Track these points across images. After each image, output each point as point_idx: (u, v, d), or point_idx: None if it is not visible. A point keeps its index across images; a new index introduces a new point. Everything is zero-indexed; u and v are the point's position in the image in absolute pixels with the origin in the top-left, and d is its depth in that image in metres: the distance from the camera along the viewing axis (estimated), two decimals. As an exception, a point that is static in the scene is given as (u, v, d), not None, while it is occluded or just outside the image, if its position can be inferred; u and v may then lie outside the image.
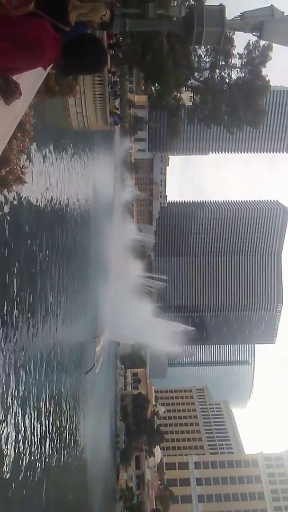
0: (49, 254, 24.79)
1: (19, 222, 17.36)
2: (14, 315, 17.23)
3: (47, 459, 24.25)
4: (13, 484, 17.10)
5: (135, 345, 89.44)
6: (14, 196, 14.60)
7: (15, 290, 17.21)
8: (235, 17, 12.87)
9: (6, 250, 15.88)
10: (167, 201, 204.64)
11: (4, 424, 15.95)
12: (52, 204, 24.77)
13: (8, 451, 16.43)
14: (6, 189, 7.80)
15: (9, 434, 16.50)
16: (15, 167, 7.42)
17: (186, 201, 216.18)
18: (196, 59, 40.80)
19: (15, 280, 17.07)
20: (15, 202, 15.36)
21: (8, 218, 15.02)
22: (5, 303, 15.95)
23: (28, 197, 17.79)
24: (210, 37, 12.06)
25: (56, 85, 14.86)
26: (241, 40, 40.51)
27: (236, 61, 39.31)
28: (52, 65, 4.99)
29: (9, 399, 16.57)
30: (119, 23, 13.75)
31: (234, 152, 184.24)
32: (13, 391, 17.01)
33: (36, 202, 19.85)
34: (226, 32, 12.87)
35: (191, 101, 51.19)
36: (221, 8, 12.46)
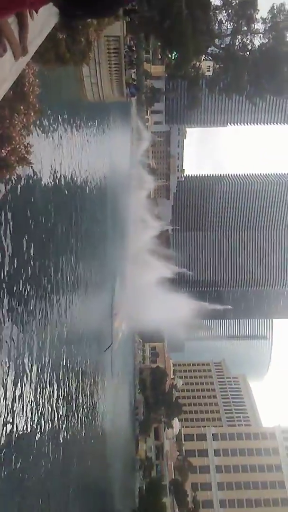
0: (66, 231, 24.29)
1: (29, 202, 16.67)
2: (35, 292, 16.99)
3: (68, 430, 24.53)
4: (35, 454, 17.31)
5: (153, 322, 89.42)
6: (21, 177, 13.81)
7: (34, 269, 16.88)
8: None
9: (22, 232, 15.30)
10: (185, 175, 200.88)
11: (27, 398, 16.07)
12: (67, 180, 24.00)
13: (31, 422, 16.59)
14: (7, 172, 6.80)
15: (31, 406, 16.57)
16: (18, 146, 6.41)
17: (204, 175, 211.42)
18: (217, 24, 38.58)
19: (33, 259, 16.69)
20: (24, 183, 14.58)
21: (16, 201, 14.30)
22: (25, 281, 15.66)
23: (38, 176, 17.00)
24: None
25: (66, 52, 13.68)
26: (264, 3, 38.08)
27: (259, 26, 37.10)
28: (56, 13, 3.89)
29: (31, 374, 16.61)
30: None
31: (254, 124, 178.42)
32: (35, 366, 17.07)
33: (48, 180, 19.05)
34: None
35: (209, 71, 48.96)
36: None
